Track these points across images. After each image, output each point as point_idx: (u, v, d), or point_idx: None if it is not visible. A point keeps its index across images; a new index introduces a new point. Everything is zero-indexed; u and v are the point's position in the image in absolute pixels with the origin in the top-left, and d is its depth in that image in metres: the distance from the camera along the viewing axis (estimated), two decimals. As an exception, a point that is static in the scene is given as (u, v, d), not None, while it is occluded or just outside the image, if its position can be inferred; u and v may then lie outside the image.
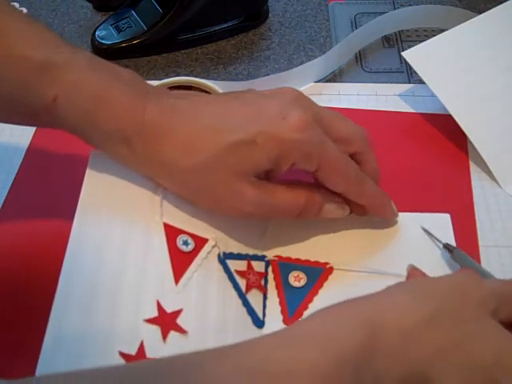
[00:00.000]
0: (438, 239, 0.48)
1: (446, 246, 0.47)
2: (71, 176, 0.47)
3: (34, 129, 0.58)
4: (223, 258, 0.45)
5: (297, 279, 0.46)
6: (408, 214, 0.50)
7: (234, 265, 0.45)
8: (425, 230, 0.49)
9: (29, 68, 0.40)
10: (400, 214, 0.50)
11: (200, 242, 0.45)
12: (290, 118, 0.41)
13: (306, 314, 0.45)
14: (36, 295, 0.46)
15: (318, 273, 0.47)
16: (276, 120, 0.41)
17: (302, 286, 0.46)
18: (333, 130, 0.44)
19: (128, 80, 0.42)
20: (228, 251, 0.46)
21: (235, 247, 0.46)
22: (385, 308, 0.35)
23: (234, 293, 0.44)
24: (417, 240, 0.49)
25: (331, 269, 0.47)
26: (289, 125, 0.41)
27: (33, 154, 0.56)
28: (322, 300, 0.45)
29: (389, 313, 0.34)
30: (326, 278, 0.46)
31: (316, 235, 0.49)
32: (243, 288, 0.45)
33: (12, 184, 0.54)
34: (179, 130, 0.41)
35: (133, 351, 0.39)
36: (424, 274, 0.44)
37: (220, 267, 0.45)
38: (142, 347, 0.40)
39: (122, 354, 0.39)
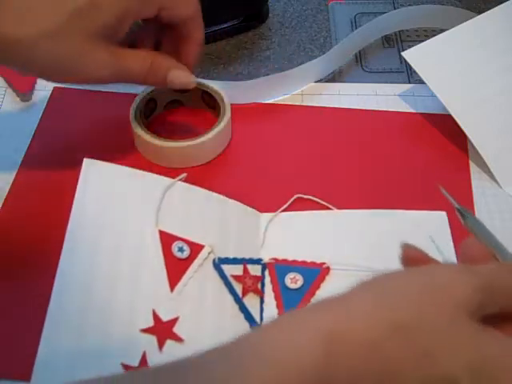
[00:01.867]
0: (452, 200, 0.43)
1: (459, 210, 0.43)
2: (68, 180, 0.47)
3: (33, 130, 0.58)
4: (218, 263, 0.45)
5: (293, 281, 0.46)
6: (404, 211, 0.50)
7: (230, 269, 0.45)
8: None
9: None
10: (397, 211, 0.50)
11: (195, 248, 0.45)
12: None
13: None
14: (32, 297, 0.46)
15: (314, 273, 0.46)
16: None
17: (299, 288, 0.46)
18: None
19: None
20: (224, 256, 0.45)
21: (231, 252, 0.46)
22: (343, 319, 0.30)
23: (230, 298, 0.44)
24: (414, 238, 0.49)
25: (328, 269, 0.47)
26: None
27: (30, 161, 0.56)
28: (319, 301, 0.45)
29: (348, 324, 0.30)
30: (322, 279, 0.46)
31: (312, 236, 0.49)
32: (240, 293, 0.45)
33: (10, 189, 0.53)
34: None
35: (135, 362, 0.39)
36: (422, 254, 0.38)
37: (215, 273, 0.44)
38: (144, 358, 0.40)
39: (125, 366, 0.39)
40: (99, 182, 0.46)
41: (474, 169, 0.55)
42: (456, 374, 0.29)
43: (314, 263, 0.47)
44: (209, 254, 0.45)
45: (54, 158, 0.56)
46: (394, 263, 0.47)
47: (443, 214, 0.50)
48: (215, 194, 0.49)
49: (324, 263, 0.47)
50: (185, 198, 0.48)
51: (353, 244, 0.49)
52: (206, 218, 0.47)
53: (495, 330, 0.31)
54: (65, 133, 0.58)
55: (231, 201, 0.49)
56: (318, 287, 0.46)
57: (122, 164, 0.49)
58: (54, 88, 0.61)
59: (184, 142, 0.53)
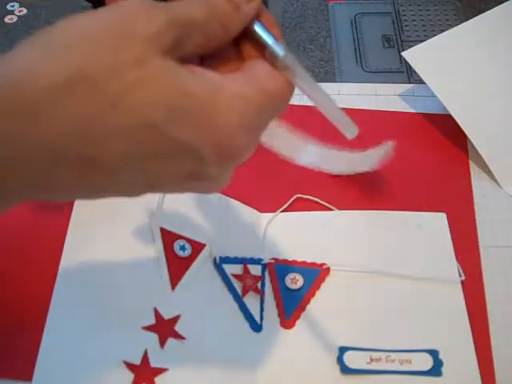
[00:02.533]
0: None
1: None
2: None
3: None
4: (219, 263, 0.45)
5: (293, 281, 0.46)
6: (404, 212, 0.50)
7: (231, 269, 0.45)
8: None
9: None
10: (396, 212, 0.50)
11: (197, 247, 0.45)
12: None
13: (303, 316, 0.45)
14: (33, 297, 0.46)
15: (314, 274, 0.47)
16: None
17: (299, 288, 0.46)
18: None
19: None
20: (224, 255, 0.45)
21: (232, 251, 0.46)
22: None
23: (230, 297, 0.44)
24: (413, 238, 0.49)
25: (328, 269, 0.47)
26: None
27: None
28: (319, 301, 0.46)
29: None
30: (323, 279, 0.46)
31: (312, 236, 0.49)
32: (240, 292, 0.45)
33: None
34: None
35: (137, 360, 0.39)
36: None
37: (216, 272, 0.45)
38: (145, 356, 0.40)
39: (127, 364, 0.39)
40: None
41: (473, 169, 0.55)
42: (156, 117, 0.26)
43: (314, 263, 0.47)
44: (210, 253, 0.45)
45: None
46: (395, 264, 0.47)
47: (443, 215, 0.50)
48: (216, 194, 0.49)
49: (324, 264, 0.47)
50: (186, 197, 0.48)
51: (353, 244, 0.49)
52: (207, 218, 0.47)
53: (196, 67, 0.28)
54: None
55: (232, 200, 0.49)
56: (318, 287, 0.46)
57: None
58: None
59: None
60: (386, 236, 0.49)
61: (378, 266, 0.47)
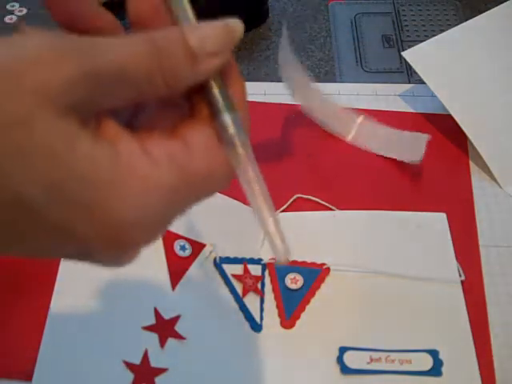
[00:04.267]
0: None
1: None
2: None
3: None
4: (219, 263, 0.45)
5: (293, 281, 0.46)
6: (404, 212, 0.50)
7: (231, 269, 0.45)
8: None
9: None
10: (397, 212, 0.50)
11: (197, 247, 0.45)
12: None
13: (303, 316, 0.45)
14: (33, 296, 0.46)
15: (314, 274, 0.47)
16: None
17: (299, 288, 0.46)
18: None
19: None
20: (224, 255, 0.45)
21: (232, 251, 0.46)
22: None
23: (230, 297, 0.44)
24: (413, 238, 0.49)
25: (328, 269, 0.47)
26: None
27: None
28: (319, 301, 0.45)
29: None
30: (323, 279, 0.46)
31: (312, 236, 0.49)
32: (240, 292, 0.45)
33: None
34: None
35: (137, 360, 0.39)
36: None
37: (216, 272, 0.45)
38: (145, 356, 0.40)
39: (127, 364, 0.39)
40: None
41: (473, 169, 0.55)
42: (30, 192, 0.20)
43: (314, 264, 0.47)
44: (210, 253, 0.45)
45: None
46: (395, 264, 0.47)
47: (443, 215, 0.50)
48: (216, 194, 0.49)
49: (324, 264, 0.47)
50: None
51: (353, 245, 0.49)
52: (207, 218, 0.47)
53: (111, 129, 0.23)
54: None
55: (232, 200, 0.49)
56: (318, 288, 0.46)
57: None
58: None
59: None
60: (386, 236, 0.49)
61: (377, 266, 0.47)
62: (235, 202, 0.50)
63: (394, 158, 0.54)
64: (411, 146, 0.53)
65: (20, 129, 0.20)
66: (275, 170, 0.55)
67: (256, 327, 0.44)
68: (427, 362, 0.43)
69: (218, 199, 0.49)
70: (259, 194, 0.25)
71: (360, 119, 0.56)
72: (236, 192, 0.50)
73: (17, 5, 0.71)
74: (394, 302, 0.46)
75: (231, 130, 0.24)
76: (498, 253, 0.49)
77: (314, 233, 0.49)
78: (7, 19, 0.70)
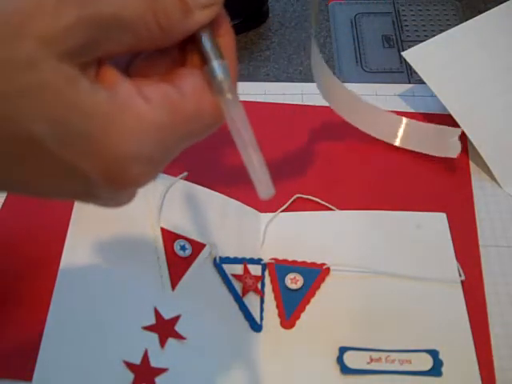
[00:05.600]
0: None
1: None
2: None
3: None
4: (219, 263, 0.45)
5: (293, 281, 0.46)
6: (404, 212, 0.50)
7: (231, 269, 0.45)
8: None
9: None
10: (397, 212, 0.50)
11: (197, 247, 0.45)
12: None
13: (303, 316, 0.45)
14: (34, 296, 0.46)
15: (314, 274, 0.47)
16: None
17: (299, 288, 0.46)
18: None
19: None
20: (224, 255, 0.46)
21: (232, 251, 0.46)
22: None
23: (230, 297, 0.44)
24: (413, 238, 0.49)
25: (328, 269, 0.47)
26: None
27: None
28: (319, 301, 0.45)
29: None
30: (323, 279, 0.46)
31: (312, 236, 0.49)
32: (240, 292, 0.45)
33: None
34: None
35: (137, 360, 0.39)
36: None
37: (216, 272, 0.45)
38: (145, 356, 0.40)
39: (127, 364, 0.39)
40: None
41: (474, 169, 0.55)
42: (39, 127, 0.22)
43: (314, 264, 0.47)
44: (210, 253, 0.45)
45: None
46: (395, 264, 0.47)
47: (443, 215, 0.50)
48: (216, 193, 0.49)
49: (324, 264, 0.47)
50: (186, 197, 0.48)
51: (353, 245, 0.49)
52: (207, 217, 0.47)
53: (109, 74, 0.24)
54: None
55: (232, 200, 0.49)
56: (318, 288, 0.46)
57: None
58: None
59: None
60: (386, 236, 0.49)
61: (377, 266, 0.47)
62: (235, 202, 0.50)
63: (433, 154, 0.54)
64: (446, 141, 0.53)
65: (28, 70, 0.21)
66: (275, 170, 0.55)
67: (256, 327, 0.44)
68: (427, 362, 0.43)
69: (218, 199, 0.49)
70: (245, 134, 0.27)
71: (405, 121, 0.56)
72: (236, 192, 0.51)
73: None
74: (393, 302, 0.46)
75: (220, 76, 0.26)
76: (498, 253, 0.49)
77: (314, 233, 0.49)
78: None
